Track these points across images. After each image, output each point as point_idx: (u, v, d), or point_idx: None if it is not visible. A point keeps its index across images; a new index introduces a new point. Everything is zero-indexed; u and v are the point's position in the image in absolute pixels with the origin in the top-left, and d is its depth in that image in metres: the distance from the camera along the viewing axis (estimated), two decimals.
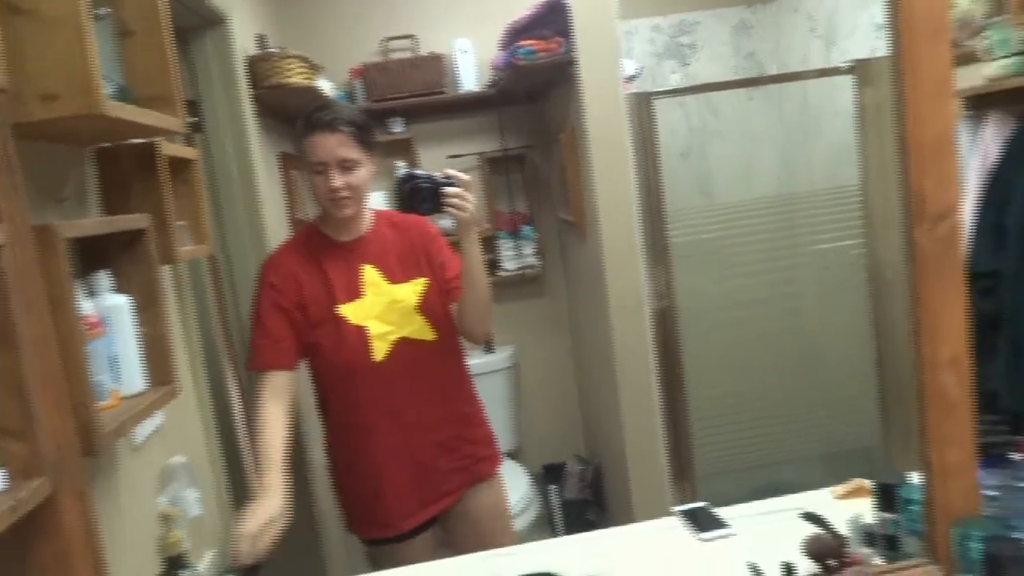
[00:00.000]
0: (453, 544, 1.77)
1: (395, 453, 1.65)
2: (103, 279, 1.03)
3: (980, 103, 2.06)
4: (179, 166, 1.29)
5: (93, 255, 1.05)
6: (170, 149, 1.22)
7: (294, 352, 1.59)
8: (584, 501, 2.82)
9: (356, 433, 1.65)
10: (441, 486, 1.70)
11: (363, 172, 1.58)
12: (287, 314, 1.58)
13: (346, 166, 1.54)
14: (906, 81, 0.80)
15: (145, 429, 1.20)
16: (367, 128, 1.59)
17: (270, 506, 1.35)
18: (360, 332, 1.60)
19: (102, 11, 0.99)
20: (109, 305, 1.02)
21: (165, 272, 1.35)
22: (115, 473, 1.09)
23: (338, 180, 1.53)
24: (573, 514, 2.76)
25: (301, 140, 1.56)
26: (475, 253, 1.59)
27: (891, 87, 0.86)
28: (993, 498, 1.01)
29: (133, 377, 1.06)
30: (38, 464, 0.77)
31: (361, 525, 1.72)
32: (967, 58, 2.06)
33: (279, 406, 1.53)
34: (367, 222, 1.69)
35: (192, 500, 1.26)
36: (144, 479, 1.18)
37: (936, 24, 0.79)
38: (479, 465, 1.76)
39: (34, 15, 0.84)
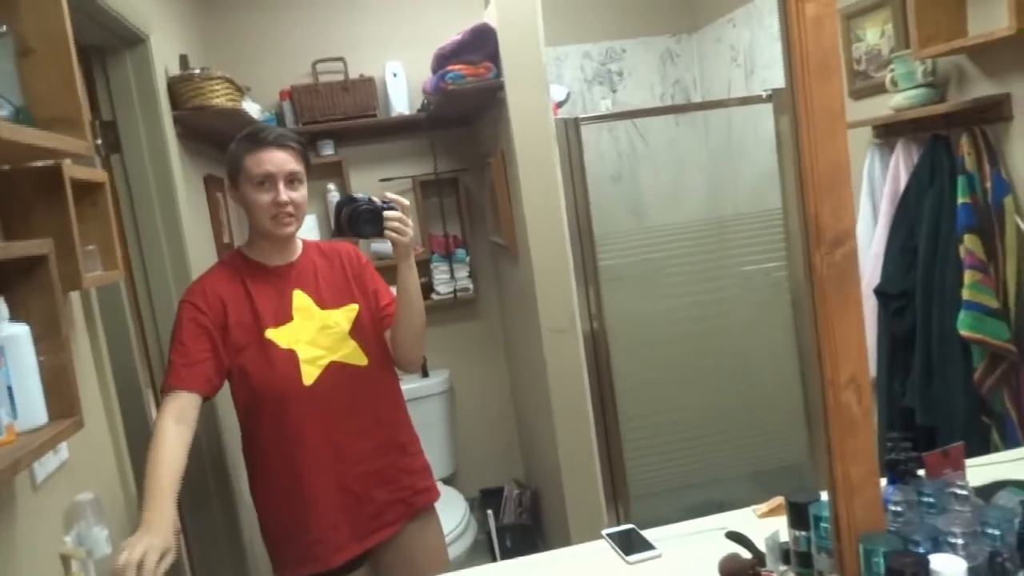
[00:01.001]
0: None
1: (326, 482, 1.59)
2: (0, 307, 0.99)
3: (889, 131, 2.17)
4: (87, 189, 1.25)
5: None
6: (76, 171, 1.18)
7: (210, 377, 1.52)
8: (522, 525, 2.81)
9: (285, 463, 1.59)
10: (377, 518, 1.65)
11: (304, 191, 1.60)
12: (208, 335, 1.53)
13: (291, 180, 1.56)
14: (800, 115, 0.83)
15: (48, 465, 1.14)
16: (305, 150, 1.62)
17: (155, 541, 1.19)
18: (290, 356, 1.57)
19: None
20: (5, 335, 0.98)
21: (74, 299, 1.31)
22: (14, 514, 1.03)
23: (285, 194, 1.54)
24: (511, 539, 2.75)
25: (243, 157, 1.55)
26: (412, 277, 1.60)
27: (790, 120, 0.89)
28: (898, 514, 1.04)
29: (32, 410, 1.01)
30: None
31: (288, 563, 1.63)
32: (875, 89, 2.17)
33: (179, 427, 1.43)
34: (297, 249, 1.67)
35: (101, 538, 1.20)
36: (47, 518, 1.12)
37: (827, 62, 0.82)
38: (417, 497, 1.71)
39: None
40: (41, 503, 1.10)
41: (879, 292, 2.13)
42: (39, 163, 1.11)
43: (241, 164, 1.55)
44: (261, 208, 1.55)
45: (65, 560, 0.94)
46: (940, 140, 1.99)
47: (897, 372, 2.12)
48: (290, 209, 1.56)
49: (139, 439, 1.69)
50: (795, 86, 0.83)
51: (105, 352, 1.42)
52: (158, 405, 1.84)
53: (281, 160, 1.54)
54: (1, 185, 1.10)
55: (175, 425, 1.42)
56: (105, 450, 1.36)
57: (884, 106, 2.11)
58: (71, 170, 1.16)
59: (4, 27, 0.98)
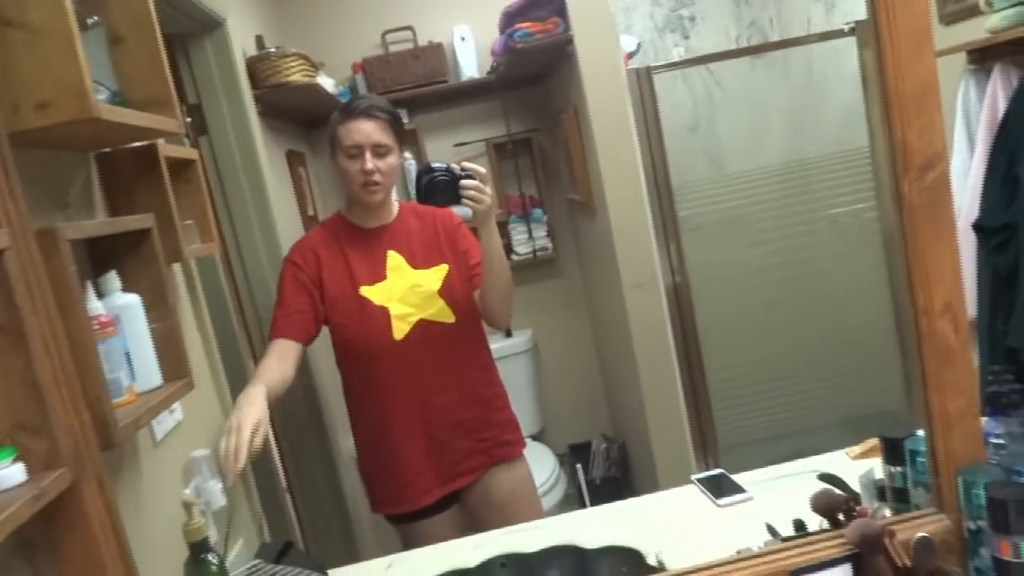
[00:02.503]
0: (479, 527, 1.80)
1: (413, 430, 1.70)
2: (112, 279, 1.06)
3: (985, 56, 2.03)
4: (180, 167, 1.32)
5: (103, 257, 1.08)
6: (169, 150, 1.25)
7: (309, 327, 1.65)
8: (611, 478, 2.83)
9: (376, 411, 1.71)
10: (459, 465, 1.74)
11: (393, 159, 1.66)
12: (307, 290, 1.66)
13: (379, 151, 1.63)
14: (884, 34, 0.80)
15: (166, 424, 1.23)
16: (399, 119, 1.69)
17: (251, 414, 1.29)
18: (382, 312, 1.67)
19: (91, 20, 1.02)
20: (119, 304, 1.05)
21: (176, 271, 1.39)
22: (138, 468, 1.12)
23: (371, 163, 1.61)
24: (601, 492, 2.78)
25: (337, 127, 1.64)
26: (494, 243, 1.64)
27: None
28: (1000, 446, 1.00)
29: (149, 373, 1.09)
30: (57, 457, 0.80)
31: (382, 503, 1.78)
32: (968, 12, 2.04)
33: (280, 363, 1.55)
34: (393, 212, 1.75)
35: (216, 491, 1.29)
36: (167, 473, 1.21)
37: None
38: (500, 448, 1.79)
39: (25, 27, 0.86)
40: (161, 458, 1.19)
41: (978, 227, 2.02)
42: (136, 144, 1.18)
43: (335, 134, 1.64)
44: (351, 176, 1.64)
45: (187, 506, 1.02)
46: None
47: (1000, 310, 2.02)
48: (376, 178, 1.63)
49: None
50: (878, 5, 0.80)
51: (208, 320, 1.50)
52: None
53: (368, 130, 1.61)
54: (104, 166, 1.17)
55: (276, 361, 1.56)
56: (214, 410, 1.46)
57: (978, 29, 1.97)
58: (165, 149, 1.23)
59: (96, 18, 1.05)
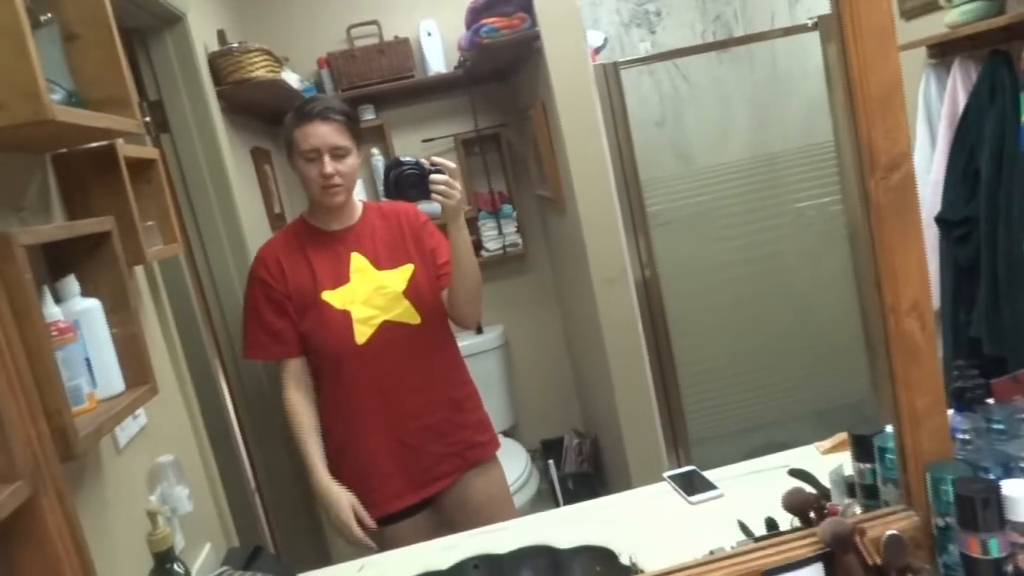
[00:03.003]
0: (454, 530, 1.79)
1: (380, 436, 1.69)
2: (71, 284, 1.03)
3: (944, 50, 2.07)
4: (141, 167, 1.29)
5: (60, 261, 1.05)
6: (129, 150, 1.21)
7: (295, 341, 1.68)
8: (583, 474, 2.84)
9: (343, 415, 1.70)
10: (432, 470, 1.72)
11: (352, 160, 1.64)
12: (279, 305, 1.67)
13: (338, 154, 1.61)
14: (847, 34, 0.80)
15: (129, 430, 1.20)
16: (355, 119, 1.67)
17: (343, 498, 1.65)
18: (344, 316, 1.65)
19: (44, 17, 0.98)
20: (79, 309, 1.02)
21: (139, 273, 1.35)
22: (101, 476, 1.09)
23: (330, 167, 1.59)
24: (573, 487, 2.79)
25: (292, 131, 1.62)
26: (463, 240, 1.63)
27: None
28: (966, 442, 1.02)
29: (110, 379, 1.06)
30: (13, 471, 0.78)
31: None
32: (928, 6, 2.06)
33: (301, 393, 1.70)
34: (356, 213, 1.73)
35: (182, 497, 1.26)
36: (132, 480, 1.18)
37: None
38: (473, 451, 1.77)
39: None
40: (126, 465, 1.16)
41: (940, 220, 2.05)
42: (94, 144, 1.15)
43: (292, 138, 1.63)
44: (311, 180, 1.62)
45: (152, 516, 1.00)
46: (1000, 55, 1.89)
47: (962, 302, 2.06)
48: (336, 180, 1.61)
49: (210, 403, 1.77)
50: (842, 5, 0.80)
51: (172, 323, 1.47)
52: (225, 371, 1.95)
53: (325, 133, 1.59)
54: (61, 167, 1.13)
55: (296, 392, 1.70)
56: (180, 415, 1.43)
57: (938, 24, 2.00)
58: (124, 149, 1.19)
59: (49, 15, 1.01)
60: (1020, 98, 1.81)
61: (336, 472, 1.74)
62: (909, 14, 2.16)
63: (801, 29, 2.42)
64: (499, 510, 1.79)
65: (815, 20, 2.38)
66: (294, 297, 1.66)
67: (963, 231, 2.01)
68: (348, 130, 1.62)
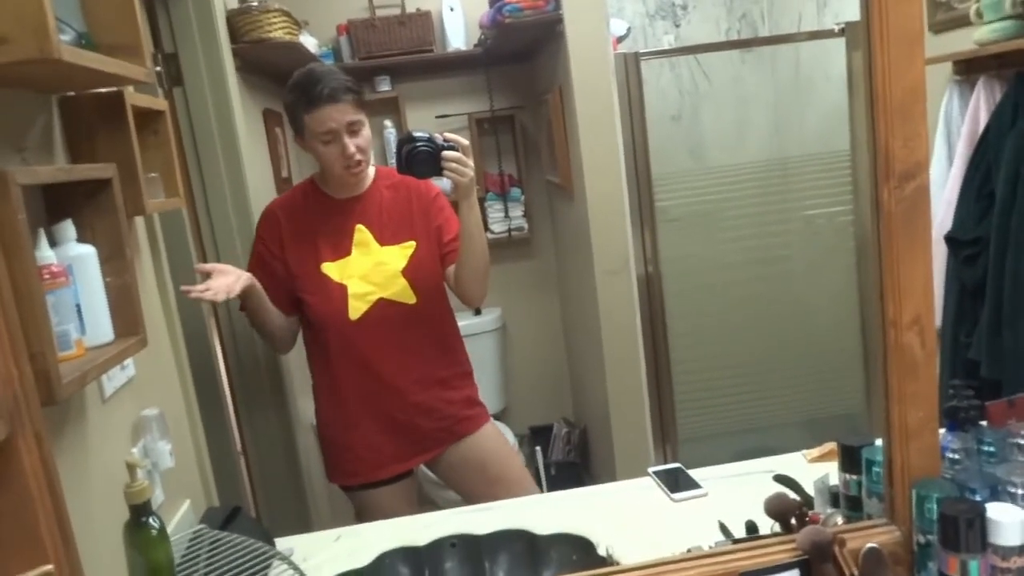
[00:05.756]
0: (461, 491, 1.82)
1: (367, 409, 1.69)
2: (68, 228, 1.01)
3: (971, 67, 2.04)
4: (148, 117, 1.27)
5: (59, 205, 1.04)
6: (137, 99, 1.20)
7: (282, 300, 1.68)
8: (570, 463, 2.85)
9: (332, 386, 1.71)
10: (419, 444, 1.74)
11: (367, 131, 1.63)
12: (269, 267, 1.67)
13: (354, 129, 1.59)
14: (875, 36, 0.78)
15: (116, 381, 1.19)
16: (360, 90, 1.64)
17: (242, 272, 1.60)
18: (340, 290, 1.65)
19: None
20: (73, 255, 1.01)
21: (138, 224, 1.34)
22: (84, 424, 1.08)
23: (352, 145, 1.58)
24: (559, 475, 2.79)
25: (302, 115, 1.59)
26: (474, 217, 1.61)
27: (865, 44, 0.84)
28: (955, 461, 1.01)
29: (100, 327, 1.05)
30: None
31: (336, 472, 1.78)
32: (958, 21, 2.04)
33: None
34: (367, 179, 1.71)
35: (165, 452, 1.26)
36: (115, 431, 1.18)
37: None
38: (459, 425, 1.78)
39: None
40: (110, 415, 1.15)
41: (950, 238, 2.03)
42: (102, 90, 1.13)
43: (302, 122, 1.59)
44: (331, 161, 1.61)
45: (131, 468, 0.99)
46: None
47: (964, 322, 2.04)
48: (359, 157, 1.60)
49: (201, 360, 1.76)
50: (871, 6, 0.78)
51: (168, 277, 1.46)
52: (219, 330, 1.95)
53: (339, 114, 1.57)
54: (66, 110, 1.12)
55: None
56: (169, 369, 1.42)
57: (967, 40, 1.97)
58: (133, 98, 1.18)
59: None
60: None
61: (325, 435, 1.77)
62: (938, 27, 2.13)
63: (828, 34, 2.39)
64: (507, 463, 1.81)
65: (842, 26, 2.35)
66: (291, 264, 1.67)
67: (972, 251, 1.99)
68: (358, 103, 1.60)
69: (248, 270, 1.65)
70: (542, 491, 2.73)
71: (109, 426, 1.15)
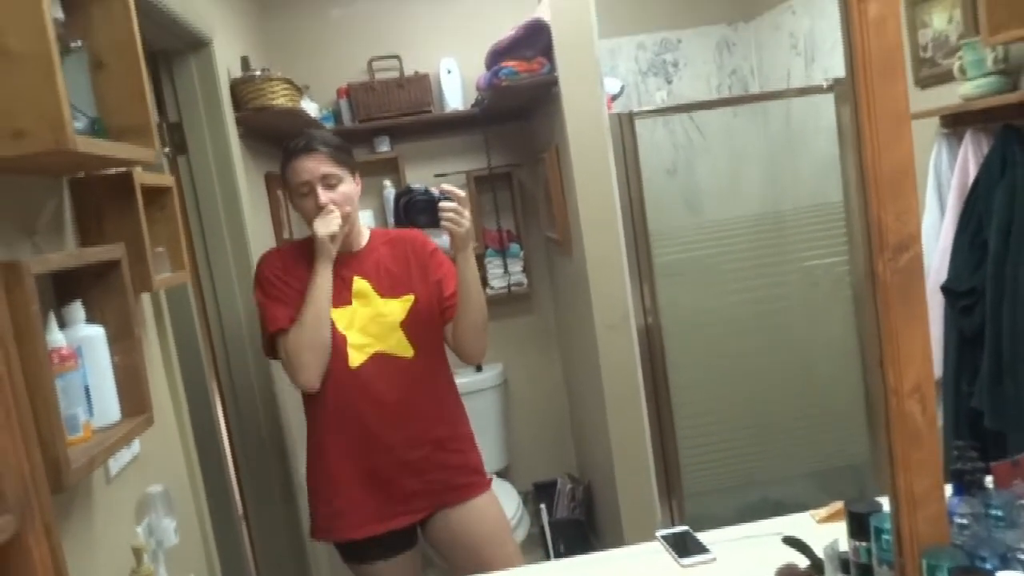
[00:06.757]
0: (443, 557, 1.78)
1: (352, 462, 1.66)
2: (77, 310, 1.03)
3: (957, 121, 2.08)
4: (156, 193, 1.30)
5: (69, 286, 1.05)
6: (145, 178, 1.22)
7: None
8: (575, 520, 2.81)
9: (320, 434, 1.68)
10: (401, 505, 1.69)
11: (346, 188, 1.63)
12: (287, 295, 1.64)
13: (329, 182, 1.60)
14: (862, 118, 0.81)
15: (121, 459, 1.19)
16: (342, 148, 1.66)
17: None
18: (342, 339, 1.64)
19: (74, 44, 1.00)
20: (82, 336, 1.02)
21: (145, 300, 1.36)
22: (90, 505, 1.08)
23: (324, 196, 1.59)
24: (564, 533, 2.75)
25: (285, 170, 1.63)
26: (470, 269, 1.62)
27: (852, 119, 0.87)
28: (964, 527, 1.01)
29: (107, 408, 1.05)
30: (3, 504, 0.77)
31: (316, 527, 1.73)
32: (942, 77, 2.09)
33: None
34: (362, 239, 1.72)
35: (169, 529, 1.25)
36: (120, 510, 1.17)
37: (891, 62, 0.80)
38: (449, 493, 1.72)
39: (4, 53, 0.84)
40: (115, 495, 1.15)
41: (946, 289, 2.05)
42: (111, 170, 1.16)
43: (285, 177, 1.64)
44: (308, 213, 1.63)
45: (136, 552, 0.99)
46: (1012, 130, 1.90)
47: (964, 372, 2.05)
48: (331, 208, 1.60)
49: (205, 433, 1.76)
50: (857, 89, 0.81)
51: (174, 351, 1.47)
52: (223, 400, 1.94)
53: (312, 166, 1.59)
54: (76, 191, 1.15)
55: None
56: (174, 444, 1.42)
57: (952, 95, 2.02)
58: (140, 176, 1.21)
59: (79, 42, 1.03)
60: None
61: (308, 486, 1.73)
62: (923, 83, 2.18)
63: (816, 90, 2.45)
64: (499, 549, 1.73)
65: (831, 82, 2.40)
66: (296, 303, 1.63)
67: (969, 301, 2.00)
68: (335, 158, 1.62)
69: (267, 311, 1.62)
70: (547, 550, 2.70)
71: (115, 505, 1.15)
